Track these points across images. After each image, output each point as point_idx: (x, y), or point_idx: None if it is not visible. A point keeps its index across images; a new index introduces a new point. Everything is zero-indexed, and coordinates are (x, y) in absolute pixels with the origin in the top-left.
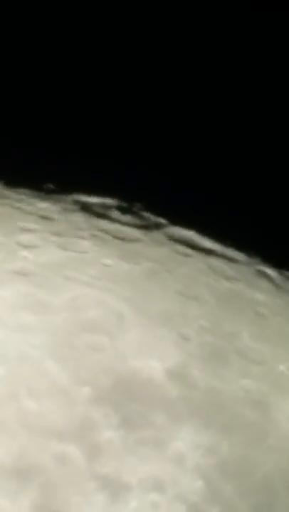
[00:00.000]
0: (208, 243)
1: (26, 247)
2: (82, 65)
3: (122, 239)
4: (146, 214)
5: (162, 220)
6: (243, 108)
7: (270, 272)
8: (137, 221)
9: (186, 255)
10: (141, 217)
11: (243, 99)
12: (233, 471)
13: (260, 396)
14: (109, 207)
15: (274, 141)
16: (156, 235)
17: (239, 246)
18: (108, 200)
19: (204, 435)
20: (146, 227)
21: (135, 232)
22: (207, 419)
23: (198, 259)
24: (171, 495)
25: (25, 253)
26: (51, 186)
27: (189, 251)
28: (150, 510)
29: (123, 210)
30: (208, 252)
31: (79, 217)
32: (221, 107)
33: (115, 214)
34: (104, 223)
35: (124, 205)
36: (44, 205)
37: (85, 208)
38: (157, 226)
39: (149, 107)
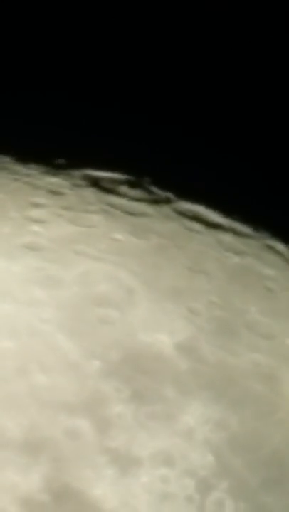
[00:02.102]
0: (217, 217)
1: (36, 221)
2: (91, 43)
3: (132, 214)
4: (155, 189)
5: (171, 195)
6: (252, 81)
7: (279, 246)
8: (146, 196)
9: (195, 230)
10: (150, 192)
11: (250, 72)
12: (243, 446)
13: (269, 370)
14: (118, 182)
15: (283, 116)
16: (165, 209)
17: (248, 220)
18: (117, 175)
19: (214, 409)
20: (155, 201)
21: (144, 207)
22: (216, 393)
23: (207, 234)
24: (181, 469)
25: (35, 228)
26: (61, 161)
27: (198, 226)
28: (160, 484)
29: (132, 185)
30: (217, 226)
31: (88, 192)
32: (229, 81)
33: (124, 189)
34: (113, 198)
35: (133, 179)
36: (54, 180)
37: (95, 183)
38: (166, 201)
39: (159, 81)
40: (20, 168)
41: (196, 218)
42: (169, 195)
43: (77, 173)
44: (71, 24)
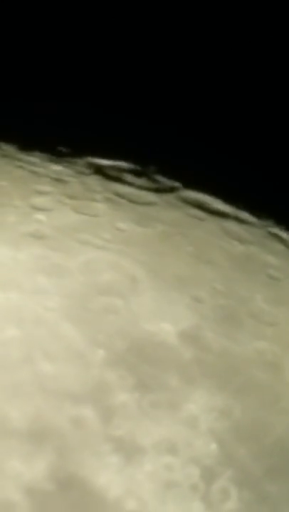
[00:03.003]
0: (221, 206)
1: (41, 210)
2: (95, 37)
3: (136, 202)
4: (159, 177)
5: (176, 183)
6: (255, 69)
7: (283, 234)
8: (151, 184)
9: (200, 218)
10: (154, 181)
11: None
12: (247, 434)
13: (273, 358)
14: (123, 170)
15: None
16: (170, 198)
17: (252, 208)
18: (122, 163)
19: (218, 398)
20: (160, 190)
21: (149, 196)
22: (220, 381)
23: (212, 222)
24: (185, 458)
25: (39, 216)
26: (65, 149)
27: (202, 214)
28: (164, 472)
29: (137, 173)
30: (222, 214)
31: (93, 180)
32: (234, 70)
33: (129, 177)
34: (118, 186)
35: (138, 168)
36: (58, 168)
37: (99, 171)
38: (171, 189)
39: (166, 69)
40: (24, 156)
41: (201, 206)
42: (174, 183)
43: (81, 161)
44: (76, 18)
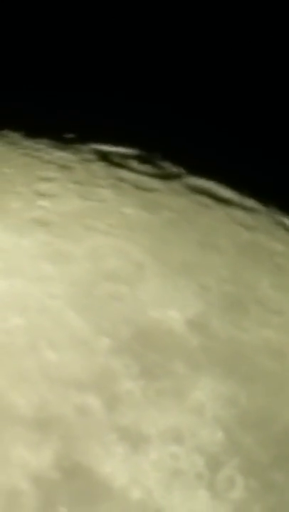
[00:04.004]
0: (227, 193)
1: (45, 196)
2: (104, 26)
3: (142, 188)
4: (165, 164)
5: (182, 170)
6: (260, 52)
7: None
8: (156, 171)
9: (206, 205)
10: (160, 167)
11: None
12: (253, 422)
13: (280, 346)
14: (128, 156)
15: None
16: (176, 184)
17: (258, 196)
18: (127, 150)
19: (224, 385)
20: (166, 176)
21: (154, 182)
22: (227, 369)
23: (218, 209)
24: (191, 446)
25: (44, 202)
26: (70, 136)
27: (208, 201)
28: (170, 461)
29: (142, 160)
30: (228, 201)
31: (98, 167)
32: (235, 53)
33: (134, 163)
34: (123, 173)
35: (143, 154)
36: (63, 155)
37: (104, 158)
38: (176, 176)
39: (170, 56)
40: (29, 142)
41: (207, 193)
42: (180, 170)
43: (86, 147)
44: (77, 6)
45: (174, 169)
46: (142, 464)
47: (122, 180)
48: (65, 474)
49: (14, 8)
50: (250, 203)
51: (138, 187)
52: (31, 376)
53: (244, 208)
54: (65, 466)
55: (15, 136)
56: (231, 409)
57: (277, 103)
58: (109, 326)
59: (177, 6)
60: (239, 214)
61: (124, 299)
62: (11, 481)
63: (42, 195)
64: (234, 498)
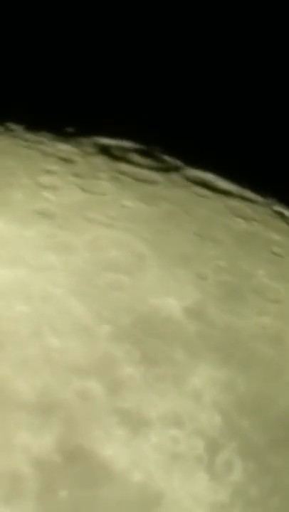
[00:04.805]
0: (225, 184)
1: (48, 188)
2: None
3: (141, 181)
4: (164, 156)
5: (180, 163)
6: (255, 49)
7: (286, 212)
8: (156, 163)
9: (204, 196)
10: (159, 160)
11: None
12: (250, 407)
13: (276, 333)
14: (128, 149)
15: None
16: (175, 176)
17: (256, 187)
18: (127, 143)
19: (222, 371)
20: (165, 169)
21: (154, 175)
22: (224, 355)
23: (216, 200)
24: (190, 430)
25: (46, 194)
26: (71, 129)
27: (207, 192)
28: (170, 445)
29: (141, 153)
30: (225, 193)
31: (99, 160)
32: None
33: (134, 156)
34: (123, 166)
35: (143, 147)
36: (64, 148)
37: (105, 151)
38: (175, 168)
39: (169, 52)
40: (31, 136)
41: (205, 185)
42: (179, 162)
43: (88, 140)
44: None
45: (173, 162)
46: (142, 448)
47: (122, 173)
48: (67, 458)
49: (16, 2)
50: (248, 194)
51: (138, 179)
52: (34, 362)
53: (242, 199)
54: (66, 450)
55: (18, 129)
56: (229, 395)
57: (274, 97)
58: (110, 314)
59: (178, 8)
60: (237, 205)
61: (124, 287)
62: (14, 465)
63: (45, 187)
64: (232, 481)
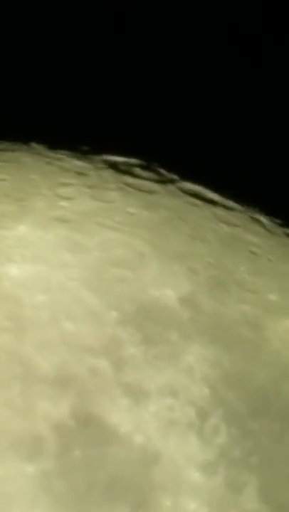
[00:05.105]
0: (212, 195)
1: (64, 198)
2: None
3: (143, 191)
4: (162, 171)
5: (175, 176)
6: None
7: (263, 218)
8: (155, 177)
9: (195, 205)
10: (158, 174)
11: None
12: (234, 381)
13: (255, 319)
14: (132, 165)
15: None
16: (171, 188)
17: (237, 197)
18: (132, 160)
19: (210, 350)
20: (163, 181)
21: (153, 186)
22: (212, 337)
23: (205, 208)
24: (183, 400)
25: (63, 203)
26: (85, 148)
27: (197, 201)
28: (166, 412)
29: (144, 168)
30: (212, 202)
31: (108, 174)
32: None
33: (137, 171)
34: (128, 178)
35: (145, 163)
36: (79, 164)
37: (113, 166)
38: (171, 181)
39: (167, 85)
40: (52, 153)
41: (196, 195)
42: (174, 176)
43: (99, 157)
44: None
45: (169, 175)
46: (143, 415)
47: (127, 184)
48: (80, 423)
49: (31, 30)
50: (230, 203)
51: (140, 190)
52: (52, 343)
53: (226, 208)
54: (79, 416)
55: (40, 148)
56: (216, 370)
57: (258, 120)
58: (116, 302)
59: (177, 34)
60: (222, 212)
61: (128, 280)
62: (35, 429)
63: (62, 197)
64: (218, 443)
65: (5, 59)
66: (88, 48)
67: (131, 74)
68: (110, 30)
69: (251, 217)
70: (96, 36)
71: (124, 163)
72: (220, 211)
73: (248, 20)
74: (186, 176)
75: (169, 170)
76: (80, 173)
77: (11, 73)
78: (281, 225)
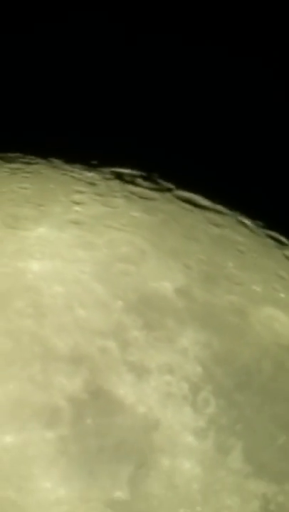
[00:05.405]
0: (204, 201)
1: (78, 203)
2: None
3: (144, 198)
4: (160, 181)
5: (172, 185)
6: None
7: (247, 221)
8: (154, 186)
9: (188, 210)
10: (157, 183)
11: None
12: (222, 360)
13: (240, 306)
14: (135, 176)
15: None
16: (168, 195)
17: (226, 203)
18: (135, 172)
19: (201, 334)
20: (161, 190)
21: (153, 194)
22: (203, 323)
23: (197, 213)
24: (179, 376)
25: (77, 208)
26: (95, 162)
27: (191, 207)
28: (164, 387)
29: (145, 178)
30: (204, 207)
31: (114, 183)
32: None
33: (139, 181)
34: (131, 187)
35: (146, 175)
36: (91, 175)
37: (119, 177)
38: (168, 189)
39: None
40: (67, 166)
41: (190, 202)
42: (171, 185)
43: (107, 169)
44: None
45: (167, 185)
46: (145, 389)
47: (131, 192)
48: (91, 395)
49: (46, 53)
50: (220, 208)
51: (142, 197)
52: (68, 327)
53: (215, 212)
54: (91, 390)
55: (57, 162)
56: (206, 351)
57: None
58: (121, 292)
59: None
60: (212, 216)
61: (131, 274)
62: (53, 401)
63: (76, 203)
64: (209, 412)
65: (29, 87)
66: (99, 78)
67: (134, 100)
68: (116, 57)
69: (237, 220)
70: (104, 65)
71: (129, 175)
72: (210, 215)
73: (247, 37)
74: (181, 185)
75: (166, 180)
76: (90, 183)
77: (34, 99)
78: (262, 227)
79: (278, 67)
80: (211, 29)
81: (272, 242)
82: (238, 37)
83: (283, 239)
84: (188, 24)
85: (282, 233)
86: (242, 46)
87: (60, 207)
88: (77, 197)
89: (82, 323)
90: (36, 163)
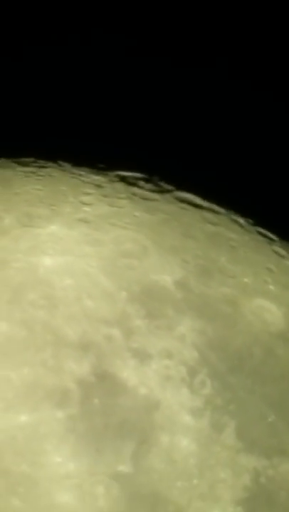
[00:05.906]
0: (200, 201)
1: (86, 204)
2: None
3: (146, 199)
4: (161, 183)
5: (171, 187)
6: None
7: (240, 219)
8: (155, 187)
9: (187, 209)
10: (158, 185)
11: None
12: (216, 346)
13: (233, 298)
14: (137, 178)
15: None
16: (168, 196)
17: (220, 203)
18: (137, 174)
19: (198, 322)
20: (161, 191)
21: (154, 195)
22: (199, 312)
23: (194, 212)
24: (177, 361)
25: (85, 208)
26: (101, 165)
27: (189, 207)
28: (164, 370)
29: (147, 181)
30: (201, 207)
31: (119, 185)
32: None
33: (141, 183)
34: (134, 189)
35: (148, 177)
36: (97, 178)
37: (123, 179)
38: (168, 191)
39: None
40: (75, 170)
41: (188, 202)
42: (170, 187)
43: (112, 173)
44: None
45: (167, 186)
46: (146, 372)
47: (134, 194)
48: (98, 378)
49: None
50: (215, 207)
51: (144, 198)
52: (77, 316)
53: (211, 211)
54: (98, 373)
55: (66, 165)
56: (202, 338)
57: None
58: (126, 285)
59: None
60: (208, 215)
61: (135, 268)
62: (64, 383)
63: (84, 203)
64: (204, 394)
65: (42, 99)
66: (105, 92)
67: (137, 110)
68: (119, 70)
69: (231, 219)
70: (108, 79)
71: (132, 177)
72: (206, 214)
73: (246, 37)
74: (180, 187)
75: (166, 182)
76: (97, 185)
77: (47, 110)
78: (253, 225)
79: (271, 72)
80: (211, 29)
81: (262, 238)
82: (238, 37)
83: (272, 235)
84: (188, 27)
85: (271, 230)
86: (242, 46)
87: (70, 207)
88: (85, 198)
89: (90, 312)
90: (48, 167)
